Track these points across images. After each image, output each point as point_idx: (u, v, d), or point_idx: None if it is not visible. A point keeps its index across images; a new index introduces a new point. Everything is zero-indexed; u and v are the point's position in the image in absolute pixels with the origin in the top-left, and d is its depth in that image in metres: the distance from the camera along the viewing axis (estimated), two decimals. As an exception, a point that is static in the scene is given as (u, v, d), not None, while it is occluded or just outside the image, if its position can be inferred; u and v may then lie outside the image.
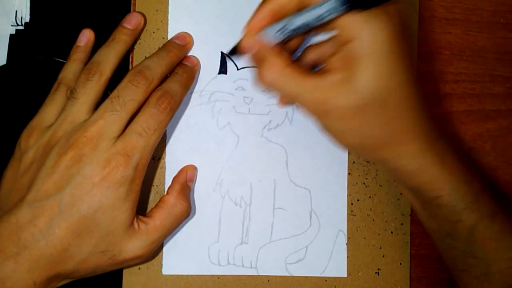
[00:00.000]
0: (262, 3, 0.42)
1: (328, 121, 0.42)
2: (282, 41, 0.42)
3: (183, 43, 0.49)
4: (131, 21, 0.48)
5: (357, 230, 0.51)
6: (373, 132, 0.41)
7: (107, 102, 0.43)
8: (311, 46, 0.47)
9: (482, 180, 0.45)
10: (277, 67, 0.41)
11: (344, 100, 0.39)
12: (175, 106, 0.45)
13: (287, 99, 0.43)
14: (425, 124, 0.42)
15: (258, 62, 0.42)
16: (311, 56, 0.47)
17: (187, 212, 0.47)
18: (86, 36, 0.48)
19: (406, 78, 0.40)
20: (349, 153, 0.51)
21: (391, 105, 0.40)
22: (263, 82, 0.42)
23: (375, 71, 0.38)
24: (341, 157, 0.51)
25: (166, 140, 0.50)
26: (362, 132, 0.41)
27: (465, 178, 0.43)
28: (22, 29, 0.50)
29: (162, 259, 0.50)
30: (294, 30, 0.40)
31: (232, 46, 0.45)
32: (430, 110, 0.43)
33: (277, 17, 0.41)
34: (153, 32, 0.50)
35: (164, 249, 0.50)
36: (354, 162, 0.51)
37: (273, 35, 0.41)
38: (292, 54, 0.46)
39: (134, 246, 0.43)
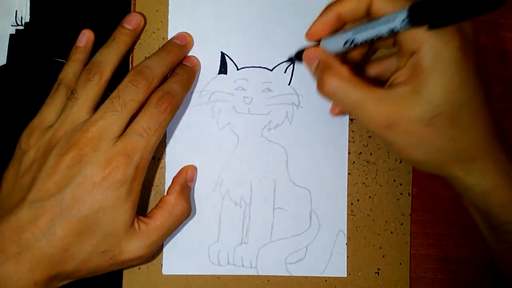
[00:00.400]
0: (328, 7, 0.42)
1: (393, 135, 0.40)
2: (346, 51, 0.42)
3: (183, 43, 0.49)
4: (131, 22, 0.48)
5: (357, 230, 0.51)
6: (442, 147, 0.40)
7: (107, 102, 0.43)
8: (372, 61, 0.47)
9: None
10: (342, 75, 0.40)
11: (413, 112, 0.38)
12: (176, 107, 0.45)
13: (345, 109, 0.42)
14: (497, 142, 0.40)
15: (322, 70, 0.41)
16: (373, 71, 0.46)
17: (188, 212, 0.47)
18: (86, 37, 0.48)
19: (477, 92, 0.39)
20: (349, 153, 0.51)
21: (462, 119, 0.39)
22: (326, 89, 0.41)
23: (445, 82, 0.38)
24: (341, 157, 0.51)
25: (166, 140, 0.50)
26: (431, 147, 0.40)
27: None
28: (22, 29, 0.50)
29: (162, 259, 0.50)
30: (362, 42, 0.40)
31: (296, 51, 0.47)
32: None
33: (342, 22, 0.42)
34: (153, 32, 0.50)
35: (164, 249, 0.50)
36: (354, 162, 0.51)
37: (339, 45, 0.41)
38: (354, 66, 0.46)
39: (134, 247, 0.43)
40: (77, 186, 0.41)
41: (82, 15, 0.50)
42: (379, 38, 0.39)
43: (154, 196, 0.50)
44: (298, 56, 0.47)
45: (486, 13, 0.33)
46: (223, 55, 0.50)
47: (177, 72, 0.47)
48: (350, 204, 0.51)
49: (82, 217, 0.41)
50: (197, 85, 0.50)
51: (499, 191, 0.41)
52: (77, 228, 0.41)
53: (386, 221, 0.51)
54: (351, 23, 0.42)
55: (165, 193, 0.48)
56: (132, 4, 0.50)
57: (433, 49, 0.37)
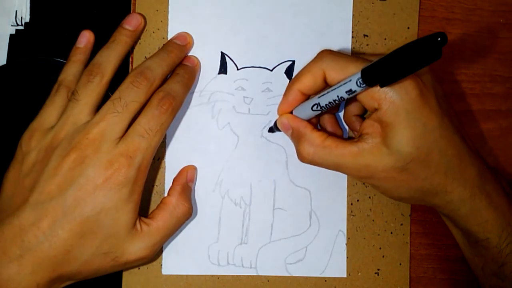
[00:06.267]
0: (289, 85, 0.45)
1: (375, 182, 0.44)
2: (316, 115, 0.45)
3: (183, 43, 0.49)
4: (131, 22, 0.48)
5: (357, 231, 0.51)
6: (419, 186, 0.43)
7: (108, 104, 0.43)
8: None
9: None
10: (314, 141, 0.44)
11: (386, 162, 0.42)
12: (177, 107, 0.45)
13: (328, 169, 0.45)
14: (472, 170, 0.44)
15: (297, 139, 0.45)
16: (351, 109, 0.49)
17: (189, 212, 0.47)
18: (86, 38, 0.48)
19: (443, 131, 0.42)
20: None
21: (432, 161, 0.42)
22: (304, 158, 0.44)
23: (410, 132, 0.41)
24: (341, 157, 0.51)
25: (167, 141, 0.50)
26: (409, 187, 0.43)
27: None
28: (22, 29, 0.50)
29: (162, 259, 0.50)
30: (327, 105, 0.42)
31: (270, 126, 0.50)
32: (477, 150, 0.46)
33: (305, 96, 0.45)
34: (153, 32, 0.50)
35: (164, 249, 0.50)
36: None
37: (308, 110, 0.44)
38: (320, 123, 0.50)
39: (136, 248, 0.43)
40: (79, 188, 0.41)
41: (82, 16, 0.50)
42: (341, 100, 0.42)
43: (154, 197, 0.50)
44: (271, 130, 0.50)
45: (428, 64, 0.36)
46: (223, 55, 0.50)
47: (177, 72, 0.47)
48: (350, 204, 0.51)
49: (84, 219, 0.41)
50: (197, 85, 0.50)
51: (476, 213, 0.44)
52: (79, 230, 0.41)
53: (386, 222, 0.51)
54: (313, 94, 0.45)
55: (166, 194, 0.48)
56: (132, 4, 0.50)
57: (392, 104, 0.40)
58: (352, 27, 0.51)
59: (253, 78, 0.50)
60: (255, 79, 0.50)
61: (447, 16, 0.52)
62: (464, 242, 0.47)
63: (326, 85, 0.44)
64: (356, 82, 0.39)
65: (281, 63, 0.50)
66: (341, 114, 0.50)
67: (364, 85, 0.38)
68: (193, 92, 0.50)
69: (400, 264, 0.51)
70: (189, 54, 0.50)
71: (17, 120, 0.46)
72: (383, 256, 0.51)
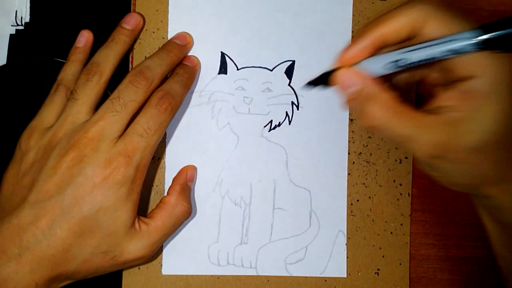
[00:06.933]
0: (367, 28, 0.37)
1: (442, 163, 0.37)
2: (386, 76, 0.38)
3: (183, 43, 0.49)
4: (130, 22, 0.48)
5: (357, 231, 0.51)
6: (485, 171, 0.38)
7: (107, 103, 0.43)
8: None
9: None
10: (388, 103, 0.37)
11: (466, 140, 0.36)
12: (176, 107, 0.45)
13: (391, 141, 0.39)
14: None
15: (364, 99, 0.37)
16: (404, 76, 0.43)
17: (188, 212, 0.47)
18: (85, 37, 0.48)
19: None
20: (349, 153, 0.51)
21: (509, 145, 0.36)
22: (371, 123, 0.37)
23: (499, 111, 0.35)
24: (341, 157, 0.51)
25: (166, 140, 0.50)
26: (475, 172, 0.38)
27: None
28: (22, 29, 0.50)
29: (161, 259, 0.50)
30: (411, 64, 0.36)
31: (316, 76, 0.41)
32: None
33: (380, 47, 0.37)
34: (153, 32, 0.50)
35: (164, 249, 0.50)
36: (354, 162, 0.51)
37: (385, 66, 0.37)
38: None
39: (135, 247, 0.43)
40: (77, 187, 0.41)
41: (82, 15, 0.50)
42: (436, 60, 0.36)
43: (154, 196, 0.50)
44: (321, 80, 0.41)
45: None
46: (223, 55, 0.50)
47: (177, 72, 0.47)
48: (350, 204, 0.51)
49: (83, 218, 0.41)
50: (197, 85, 0.50)
51: None
52: (77, 229, 0.41)
53: (386, 222, 0.51)
54: (390, 48, 0.38)
55: (165, 193, 0.48)
56: (132, 4, 0.50)
57: (494, 75, 0.35)
58: (352, 27, 0.51)
59: (253, 78, 0.50)
60: (255, 79, 0.50)
61: (447, 16, 0.52)
62: (503, 239, 0.42)
63: (411, 39, 0.37)
64: (472, 41, 0.33)
65: (281, 63, 0.50)
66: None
67: (482, 46, 0.33)
68: (193, 92, 0.50)
69: (400, 264, 0.51)
70: (189, 54, 0.50)
71: (17, 120, 0.46)
72: (383, 256, 0.51)
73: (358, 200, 0.51)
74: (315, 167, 0.50)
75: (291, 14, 0.50)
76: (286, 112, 0.50)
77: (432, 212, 0.51)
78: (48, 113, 0.44)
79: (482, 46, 0.33)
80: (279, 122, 0.50)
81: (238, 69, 0.50)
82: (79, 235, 0.41)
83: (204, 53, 0.50)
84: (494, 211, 0.41)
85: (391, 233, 0.51)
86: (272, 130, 0.50)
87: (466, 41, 0.34)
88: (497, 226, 0.42)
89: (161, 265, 0.50)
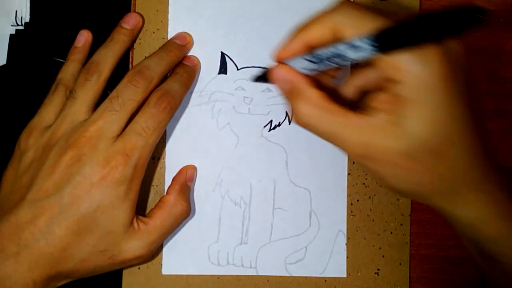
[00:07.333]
0: (295, 32, 0.38)
1: (372, 164, 0.37)
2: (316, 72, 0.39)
3: (183, 43, 0.49)
4: (130, 21, 0.48)
5: (357, 231, 0.51)
6: (426, 180, 0.37)
7: (106, 102, 0.43)
8: (352, 74, 0.43)
9: None
10: (315, 100, 0.37)
11: (393, 144, 0.35)
12: (175, 106, 0.45)
13: (320, 137, 0.38)
14: (485, 174, 0.37)
15: (293, 96, 0.38)
16: (356, 82, 0.42)
17: (187, 212, 0.47)
18: (84, 37, 0.48)
19: (464, 124, 0.35)
20: (349, 153, 0.51)
21: (446, 154, 0.36)
22: (299, 119, 0.38)
23: (430, 116, 0.34)
24: (341, 157, 0.51)
25: (166, 140, 0.50)
26: (413, 179, 0.37)
27: None
28: (22, 29, 0.50)
29: (161, 259, 0.50)
30: (322, 60, 0.37)
31: (259, 73, 0.45)
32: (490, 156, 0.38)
33: (308, 49, 0.38)
34: (153, 32, 0.50)
35: (164, 249, 0.50)
36: (354, 162, 0.51)
37: (302, 62, 0.38)
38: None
39: (134, 246, 0.43)
40: (76, 186, 0.41)
41: (82, 15, 0.50)
42: (343, 59, 0.36)
43: (153, 196, 0.50)
44: (262, 78, 0.44)
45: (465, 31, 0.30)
46: (223, 55, 0.50)
47: (177, 71, 0.47)
48: (350, 204, 0.51)
49: (81, 217, 0.41)
50: (197, 85, 0.50)
51: (485, 222, 0.39)
52: (76, 228, 0.41)
53: (386, 222, 0.51)
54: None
55: (165, 193, 0.48)
56: (132, 4, 0.50)
57: (418, 79, 0.34)
58: (352, 27, 0.51)
59: (253, 78, 0.50)
60: (255, 79, 0.50)
61: (447, 16, 0.52)
62: (478, 257, 0.42)
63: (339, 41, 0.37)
64: (367, 42, 0.33)
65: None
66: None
67: (377, 46, 0.33)
68: (193, 92, 0.50)
69: (400, 264, 0.51)
70: (189, 54, 0.50)
71: (16, 120, 0.46)
72: (383, 256, 0.51)
73: (358, 200, 0.51)
74: (315, 167, 0.50)
75: (291, 14, 0.50)
76: (286, 112, 0.50)
77: (432, 212, 0.51)
78: (47, 112, 0.44)
79: (376, 44, 0.33)
80: (279, 122, 0.50)
81: (238, 69, 0.50)
82: (77, 234, 0.41)
83: (204, 53, 0.50)
84: (456, 226, 0.41)
85: (391, 233, 0.51)
86: (272, 130, 0.50)
87: (364, 41, 0.33)
88: (470, 245, 0.42)
89: (161, 265, 0.50)
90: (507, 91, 0.53)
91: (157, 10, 0.50)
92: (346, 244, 0.51)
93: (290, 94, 0.39)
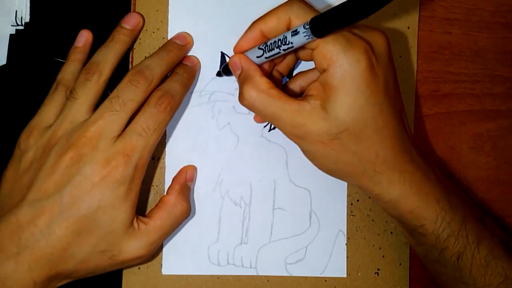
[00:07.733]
0: (253, 23, 0.44)
1: (306, 144, 0.43)
2: (269, 62, 0.45)
3: (183, 43, 0.49)
4: (130, 21, 0.48)
5: (357, 231, 0.51)
6: (348, 160, 0.43)
7: (106, 102, 0.43)
8: (300, 72, 0.49)
9: (468, 205, 0.45)
10: (260, 86, 0.43)
11: (319, 126, 0.41)
12: (175, 106, 0.45)
13: (264, 119, 0.45)
14: (404, 154, 0.43)
15: (243, 81, 0.44)
16: (298, 82, 0.49)
17: (187, 212, 0.47)
18: (84, 37, 0.48)
19: (382, 110, 0.41)
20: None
21: (366, 136, 0.42)
22: (245, 101, 0.43)
23: (348, 102, 0.40)
24: (341, 157, 0.51)
25: (166, 140, 0.50)
26: (338, 159, 0.43)
27: (450, 206, 0.44)
28: (22, 29, 0.50)
29: (161, 259, 0.50)
30: (272, 46, 0.42)
31: (222, 67, 0.48)
32: (414, 138, 0.45)
33: (266, 38, 0.44)
34: (153, 32, 0.50)
35: (164, 249, 0.50)
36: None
37: (256, 51, 0.44)
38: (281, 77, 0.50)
39: (134, 246, 0.43)
40: (76, 186, 0.41)
41: (82, 15, 0.50)
42: (293, 50, 0.42)
43: (153, 196, 0.50)
44: (225, 70, 0.48)
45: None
46: (223, 55, 0.50)
47: (177, 71, 0.47)
48: (350, 204, 0.51)
49: (81, 217, 0.41)
50: (197, 85, 0.50)
51: (406, 199, 0.43)
52: (76, 228, 0.41)
53: (386, 222, 0.51)
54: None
55: (165, 193, 0.48)
56: (132, 4, 0.50)
57: (341, 68, 0.40)
58: (352, 27, 0.51)
59: (253, 78, 0.50)
60: (255, 79, 0.50)
61: (447, 16, 0.52)
62: (404, 232, 0.47)
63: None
64: (304, 26, 0.39)
65: (281, 63, 0.50)
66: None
67: (309, 31, 0.38)
68: (193, 92, 0.50)
69: (400, 264, 0.51)
70: (189, 54, 0.50)
71: (16, 120, 0.46)
72: (383, 256, 0.51)
73: (358, 200, 0.51)
74: (315, 167, 0.50)
75: (291, 14, 0.50)
76: (286, 112, 0.50)
77: (432, 212, 0.51)
78: (47, 112, 0.44)
79: (309, 32, 0.39)
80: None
81: (238, 69, 0.50)
82: (77, 234, 0.41)
83: (204, 53, 0.50)
84: (379, 203, 0.46)
85: (391, 233, 0.51)
86: (272, 130, 0.51)
87: (301, 26, 0.39)
88: (394, 220, 0.47)
89: (161, 265, 0.50)
90: (507, 91, 0.53)
91: (157, 10, 0.50)
92: (346, 244, 0.51)
93: (241, 79, 0.44)
